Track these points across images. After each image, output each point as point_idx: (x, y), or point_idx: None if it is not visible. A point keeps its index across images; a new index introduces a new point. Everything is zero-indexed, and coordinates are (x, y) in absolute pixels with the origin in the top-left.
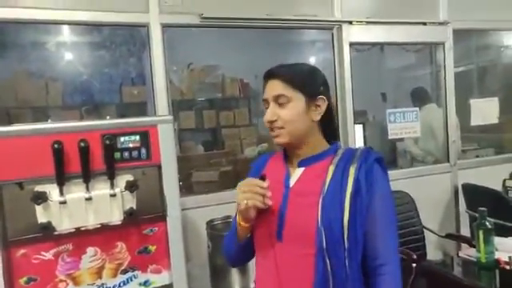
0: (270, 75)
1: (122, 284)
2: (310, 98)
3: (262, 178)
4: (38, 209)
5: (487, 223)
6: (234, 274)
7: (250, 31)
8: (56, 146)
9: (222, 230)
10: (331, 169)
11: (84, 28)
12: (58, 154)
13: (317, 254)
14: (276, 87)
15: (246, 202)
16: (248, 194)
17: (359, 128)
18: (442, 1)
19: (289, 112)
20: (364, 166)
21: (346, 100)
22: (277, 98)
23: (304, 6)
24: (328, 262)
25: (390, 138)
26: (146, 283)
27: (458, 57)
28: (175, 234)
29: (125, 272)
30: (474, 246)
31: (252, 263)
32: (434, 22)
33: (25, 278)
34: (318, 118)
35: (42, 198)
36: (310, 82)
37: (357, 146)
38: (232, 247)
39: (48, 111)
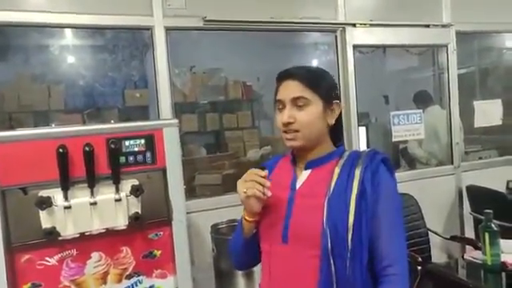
0: (287, 76)
1: None
2: (326, 102)
3: (262, 168)
4: (42, 214)
5: (493, 225)
6: (239, 278)
7: (252, 34)
8: (61, 150)
9: (226, 233)
10: (336, 171)
11: (86, 31)
12: (63, 159)
13: (322, 256)
14: (295, 88)
15: (245, 190)
16: (248, 183)
17: (362, 130)
18: (445, 3)
19: (307, 115)
20: (370, 167)
21: (349, 102)
22: (295, 100)
23: (307, 9)
24: (332, 263)
25: (394, 140)
26: None
27: (460, 59)
28: (180, 239)
29: (130, 277)
30: (479, 248)
31: (257, 267)
32: (437, 25)
33: (29, 284)
34: (333, 122)
35: (46, 202)
36: (327, 86)
37: (362, 149)
38: (238, 246)
39: (50, 115)
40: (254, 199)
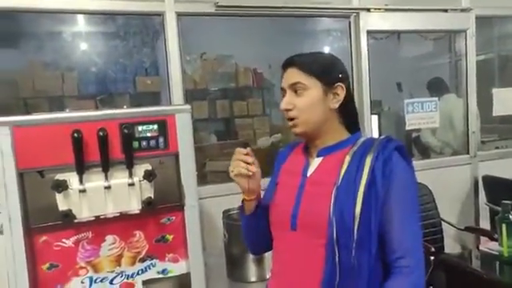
0: (287, 64)
1: (140, 272)
2: (327, 86)
3: (244, 146)
4: (59, 197)
5: (511, 217)
6: (250, 263)
7: (263, 20)
8: (76, 134)
9: (238, 219)
10: (347, 159)
11: (99, 18)
12: (78, 143)
13: (327, 244)
14: (293, 75)
15: (232, 169)
16: (234, 162)
17: (374, 118)
18: None
19: (305, 100)
20: (382, 155)
21: (362, 90)
22: (293, 86)
23: None
24: (337, 253)
25: (407, 128)
26: (163, 272)
27: (478, 45)
28: (193, 224)
29: (143, 260)
30: (495, 240)
31: (269, 254)
32: (455, 9)
33: (47, 264)
34: (336, 106)
35: (62, 186)
36: (327, 70)
37: (377, 136)
38: (244, 228)
39: (64, 101)
40: (242, 177)
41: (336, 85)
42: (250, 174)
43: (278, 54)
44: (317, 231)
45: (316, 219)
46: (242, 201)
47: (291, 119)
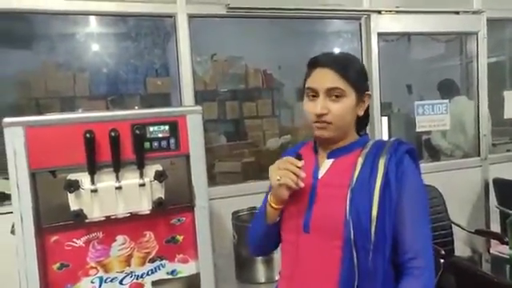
0: (322, 63)
1: (150, 272)
2: (359, 94)
3: (298, 158)
4: (71, 197)
5: None
6: (259, 265)
7: (273, 22)
8: (88, 135)
9: (247, 221)
10: (360, 161)
11: (110, 19)
12: (90, 144)
13: (344, 246)
14: (331, 78)
15: (278, 178)
16: (282, 171)
17: (384, 120)
18: None
19: (341, 107)
20: (394, 158)
21: (372, 92)
22: (330, 91)
23: None
24: (355, 254)
25: (417, 130)
26: (173, 272)
27: (489, 47)
28: (203, 225)
29: (153, 261)
30: (506, 243)
31: (278, 255)
32: (467, 11)
33: (58, 264)
34: (362, 113)
35: (74, 186)
36: (361, 78)
37: (386, 138)
38: (259, 233)
39: (76, 101)
40: (285, 188)
41: (366, 93)
42: (297, 188)
43: (288, 55)
44: (332, 233)
45: (331, 221)
46: (266, 205)
47: (321, 122)
